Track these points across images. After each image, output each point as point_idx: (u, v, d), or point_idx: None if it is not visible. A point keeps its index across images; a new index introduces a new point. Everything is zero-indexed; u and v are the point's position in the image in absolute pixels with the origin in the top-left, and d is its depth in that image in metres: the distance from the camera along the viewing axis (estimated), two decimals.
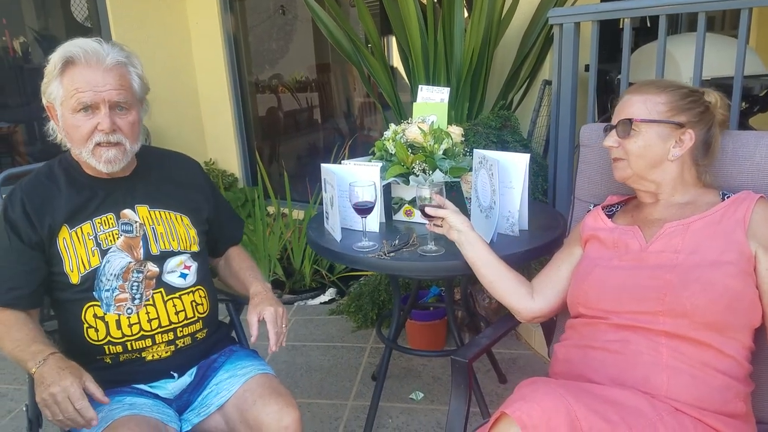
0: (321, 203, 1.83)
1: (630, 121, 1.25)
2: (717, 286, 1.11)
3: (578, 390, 1.06)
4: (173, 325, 1.36)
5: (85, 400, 1.10)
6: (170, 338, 1.36)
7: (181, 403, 1.38)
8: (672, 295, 1.13)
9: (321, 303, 3.22)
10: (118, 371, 1.33)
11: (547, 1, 2.60)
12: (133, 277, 1.33)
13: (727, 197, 1.24)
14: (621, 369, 1.15)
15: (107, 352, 1.32)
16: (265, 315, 1.35)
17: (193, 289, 1.41)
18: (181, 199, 1.46)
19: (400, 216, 1.85)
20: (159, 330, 1.34)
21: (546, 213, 1.89)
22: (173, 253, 1.39)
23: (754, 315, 1.14)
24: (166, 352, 1.36)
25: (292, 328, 2.91)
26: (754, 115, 2.62)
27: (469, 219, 1.50)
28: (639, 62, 2.51)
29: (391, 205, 1.85)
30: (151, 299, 1.34)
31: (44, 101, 1.31)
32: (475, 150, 1.66)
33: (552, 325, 1.56)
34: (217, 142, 4.38)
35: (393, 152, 1.76)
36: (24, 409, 1.34)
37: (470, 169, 1.73)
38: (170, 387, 1.37)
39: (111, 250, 1.32)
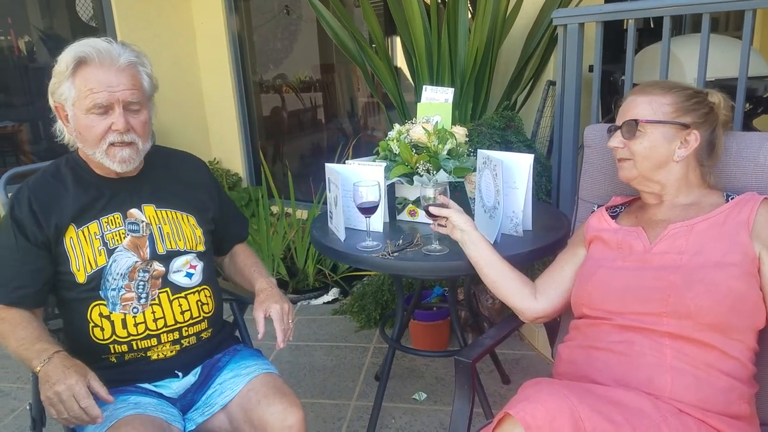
0: (325, 203, 1.84)
1: (636, 121, 1.25)
2: (721, 287, 1.11)
3: (582, 391, 1.06)
4: (179, 325, 1.37)
5: (90, 398, 1.10)
6: (175, 338, 1.36)
7: (185, 403, 1.38)
8: (676, 297, 1.13)
9: (324, 303, 3.22)
10: (122, 370, 1.33)
11: (551, 1, 2.61)
12: (139, 276, 1.33)
13: (731, 198, 1.24)
14: (625, 370, 1.15)
15: (112, 351, 1.32)
16: (271, 312, 1.36)
17: (199, 288, 1.41)
18: (188, 198, 1.46)
19: (404, 216, 1.85)
20: (164, 329, 1.35)
21: (550, 213, 1.88)
22: (179, 253, 1.39)
23: (758, 316, 1.14)
24: (171, 352, 1.37)
25: (295, 328, 2.90)
26: (758, 117, 2.61)
27: (473, 219, 1.50)
28: (643, 63, 2.51)
29: (395, 205, 1.86)
30: (156, 299, 1.34)
31: (52, 102, 1.30)
32: (479, 150, 1.66)
33: (555, 326, 1.56)
34: (222, 141, 4.38)
35: (397, 152, 1.76)
36: (27, 407, 1.34)
37: (474, 170, 1.73)
38: (174, 386, 1.38)
39: (117, 249, 1.32)
